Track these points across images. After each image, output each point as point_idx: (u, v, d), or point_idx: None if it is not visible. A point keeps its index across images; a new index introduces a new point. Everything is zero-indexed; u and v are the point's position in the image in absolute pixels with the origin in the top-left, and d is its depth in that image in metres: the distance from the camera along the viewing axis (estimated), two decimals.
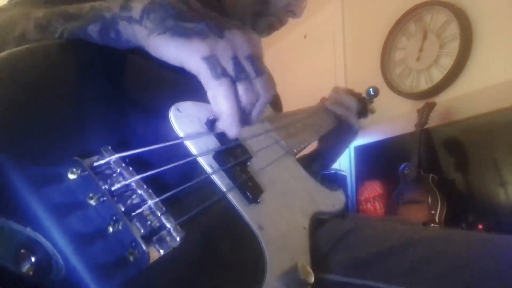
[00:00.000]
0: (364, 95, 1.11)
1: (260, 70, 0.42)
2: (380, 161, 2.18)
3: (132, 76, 0.47)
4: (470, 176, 1.76)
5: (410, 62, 2.18)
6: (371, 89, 1.09)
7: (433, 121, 1.88)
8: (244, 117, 0.43)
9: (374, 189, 2.17)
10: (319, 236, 0.62)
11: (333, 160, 1.11)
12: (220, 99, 0.39)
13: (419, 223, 1.44)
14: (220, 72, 0.39)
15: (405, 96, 2.17)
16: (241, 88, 0.41)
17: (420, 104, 1.94)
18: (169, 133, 0.47)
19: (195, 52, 0.38)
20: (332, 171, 2.21)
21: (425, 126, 1.87)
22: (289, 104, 1.04)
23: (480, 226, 1.59)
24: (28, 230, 0.31)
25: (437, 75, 2.02)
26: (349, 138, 1.03)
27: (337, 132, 1.01)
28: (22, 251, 0.31)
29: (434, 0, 2.04)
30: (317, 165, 1.01)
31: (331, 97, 1.06)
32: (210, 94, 0.40)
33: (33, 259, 0.31)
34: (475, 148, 1.75)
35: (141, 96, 0.47)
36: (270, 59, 2.83)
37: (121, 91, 0.45)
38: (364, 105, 1.08)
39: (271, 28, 0.90)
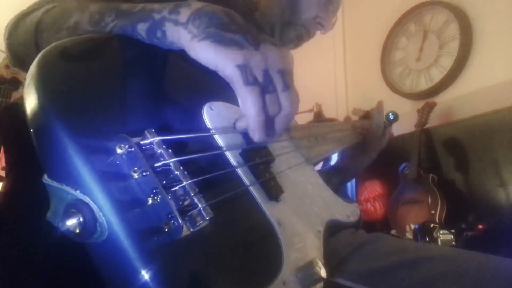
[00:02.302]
0: (384, 119, 1.11)
1: (288, 84, 0.44)
2: (380, 161, 2.17)
3: (171, 74, 0.51)
4: (470, 176, 1.76)
5: (410, 62, 2.18)
6: (390, 114, 1.09)
7: (433, 121, 1.88)
8: (269, 126, 0.45)
9: (374, 189, 2.17)
10: (334, 243, 0.65)
11: (353, 175, 1.14)
12: (248, 104, 0.42)
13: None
14: (251, 80, 0.41)
15: (405, 96, 2.17)
16: (267, 99, 0.43)
17: (420, 104, 1.94)
18: (201, 127, 0.51)
19: (231, 59, 0.41)
20: None
21: (425, 126, 1.87)
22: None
23: (480, 226, 1.59)
24: (78, 193, 0.34)
25: (437, 75, 2.02)
26: (372, 153, 1.04)
27: (361, 148, 1.02)
28: (73, 210, 0.34)
29: (434, 0, 2.05)
30: (337, 179, 1.02)
31: (360, 113, 1.06)
32: (240, 99, 0.43)
33: (81, 218, 0.34)
34: (475, 148, 1.75)
35: (178, 92, 0.51)
36: None
37: (160, 86, 0.49)
38: (384, 130, 1.08)
39: (299, 39, 0.92)
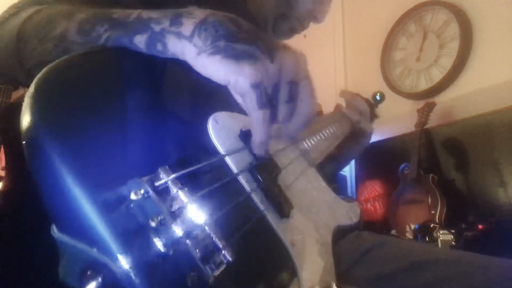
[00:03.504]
0: (370, 100, 1.11)
1: (293, 97, 0.43)
2: (380, 161, 2.18)
3: (174, 87, 0.48)
4: (470, 176, 1.76)
5: (410, 62, 2.18)
6: (378, 94, 1.08)
7: (433, 121, 1.88)
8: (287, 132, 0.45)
9: (374, 189, 2.17)
10: (340, 250, 0.65)
11: (345, 164, 1.12)
12: (258, 126, 0.41)
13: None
14: (264, 102, 0.40)
15: (405, 96, 2.17)
16: (284, 109, 0.43)
17: (420, 104, 1.94)
18: (207, 142, 0.48)
19: (245, 77, 0.38)
20: None
21: (425, 126, 1.87)
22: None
23: (480, 226, 1.59)
24: (95, 251, 0.31)
25: (437, 75, 2.02)
26: (362, 142, 1.03)
27: (351, 137, 1.01)
28: (90, 272, 0.31)
29: (434, 0, 2.05)
30: (329, 168, 1.02)
31: (346, 102, 1.06)
32: (251, 120, 0.42)
33: (100, 279, 0.31)
34: (475, 148, 1.75)
35: (182, 107, 0.48)
36: None
37: (164, 103, 0.46)
38: (371, 110, 1.07)
39: (292, 31, 0.91)
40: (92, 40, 0.44)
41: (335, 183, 2.09)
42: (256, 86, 0.39)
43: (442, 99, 1.96)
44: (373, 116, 1.10)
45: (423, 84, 2.09)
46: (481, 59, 1.86)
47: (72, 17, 0.45)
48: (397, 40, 2.27)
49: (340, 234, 0.65)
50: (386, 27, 2.30)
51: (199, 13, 0.42)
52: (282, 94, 0.42)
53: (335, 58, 2.65)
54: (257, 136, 0.42)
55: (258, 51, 0.40)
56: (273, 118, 0.43)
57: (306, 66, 0.44)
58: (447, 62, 1.97)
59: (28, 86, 0.39)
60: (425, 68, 2.09)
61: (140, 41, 0.43)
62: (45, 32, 0.46)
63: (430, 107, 1.87)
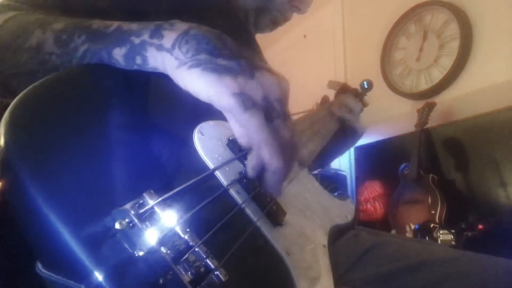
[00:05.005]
0: (358, 89, 1.11)
1: (288, 114, 0.41)
2: (380, 161, 2.18)
3: (155, 100, 0.46)
4: (470, 176, 1.76)
5: (410, 62, 2.18)
6: (365, 82, 1.07)
7: (433, 121, 1.88)
8: (288, 150, 0.41)
9: (374, 189, 2.16)
10: (339, 253, 0.64)
11: (331, 160, 1.11)
12: (253, 128, 0.38)
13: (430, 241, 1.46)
14: (250, 105, 0.37)
15: (405, 96, 2.17)
16: (277, 123, 0.39)
17: (420, 104, 1.94)
18: (194, 156, 0.46)
19: (225, 88, 0.37)
20: (332, 171, 2.21)
21: (425, 126, 1.87)
22: (289, 104, 1.02)
23: (480, 226, 1.59)
24: None
25: (437, 75, 2.02)
26: (352, 140, 1.02)
27: (340, 135, 1.00)
28: None
29: (434, 0, 2.04)
30: (314, 164, 1.00)
31: (336, 100, 1.04)
32: (243, 128, 0.39)
33: None
34: (475, 148, 1.75)
35: (164, 120, 0.46)
36: (270, 59, 2.79)
37: (144, 117, 0.44)
38: (360, 100, 1.07)
39: (274, 24, 0.89)
40: (69, 52, 0.42)
41: (335, 182, 2.09)
42: (237, 94, 0.37)
43: (442, 99, 1.96)
44: (362, 105, 1.09)
45: (423, 84, 2.09)
46: (481, 59, 1.85)
47: (48, 27, 0.43)
48: (397, 40, 2.27)
49: (337, 234, 0.64)
50: (386, 27, 2.29)
51: (181, 25, 0.41)
52: (279, 112, 0.40)
53: (335, 58, 2.65)
54: (259, 140, 0.38)
55: (238, 67, 0.39)
56: (283, 128, 0.40)
57: (288, 91, 0.42)
58: (447, 62, 1.97)
59: (3, 96, 0.37)
60: (425, 68, 2.09)
61: (118, 54, 0.41)
62: (19, 42, 0.44)
63: (430, 107, 1.87)
